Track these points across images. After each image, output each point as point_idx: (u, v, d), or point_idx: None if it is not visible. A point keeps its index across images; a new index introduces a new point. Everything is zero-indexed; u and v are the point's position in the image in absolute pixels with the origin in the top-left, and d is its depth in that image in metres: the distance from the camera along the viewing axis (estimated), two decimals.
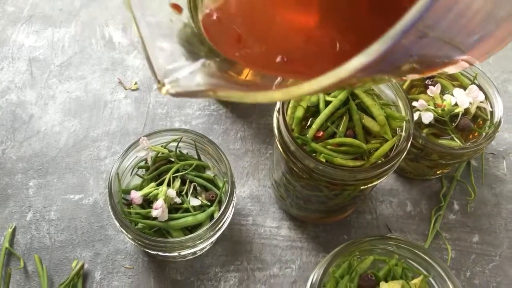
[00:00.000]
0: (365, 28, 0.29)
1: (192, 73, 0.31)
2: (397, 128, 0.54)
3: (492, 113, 0.65)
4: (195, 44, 0.34)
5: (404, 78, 0.27)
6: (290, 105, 0.55)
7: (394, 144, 0.53)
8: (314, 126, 0.52)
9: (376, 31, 0.26)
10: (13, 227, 0.65)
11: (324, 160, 0.50)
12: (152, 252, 0.56)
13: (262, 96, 0.25)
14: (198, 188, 0.60)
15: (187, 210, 0.58)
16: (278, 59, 0.30)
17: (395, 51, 0.18)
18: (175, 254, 0.56)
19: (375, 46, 0.18)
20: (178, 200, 0.57)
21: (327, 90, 0.21)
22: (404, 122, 0.53)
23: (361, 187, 0.52)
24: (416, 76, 0.26)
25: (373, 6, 0.29)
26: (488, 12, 0.22)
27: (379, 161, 0.52)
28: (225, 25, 0.34)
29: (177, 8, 0.34)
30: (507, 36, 0.29)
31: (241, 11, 0.34)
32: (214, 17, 0.34)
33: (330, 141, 0.52)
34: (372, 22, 0.29)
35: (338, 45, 0.30)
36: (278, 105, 0.52)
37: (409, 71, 0.24)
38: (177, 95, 0.29)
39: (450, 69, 0.27)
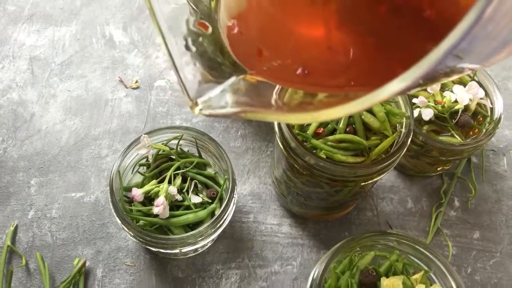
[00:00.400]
0: (384, 32, 0.29)
1: (223, 92, 0.30)
2: (397, 125, 0.55)
3: (492, 109, 0.65)
4: (222, 62, 0.34)
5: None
6: None
7: (395, 141, 0.53)
8: (315, 123, 0.52)
9: (395, 35, 0.26)
10: (15, 225, 0.65)
11: (324, 157, 0.51)
12: (153, 249, 0.56)
13: (294, 118, 0.25)
14: (199, 185, 0.60)
15: (188, 208, 0.58)
16: (299, 71, 0.30)
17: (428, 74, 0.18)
18: (177, 251, 0.56)
19: (412, 71, 0.17)
20: (179, 197, 0.57)
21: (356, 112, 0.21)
22: (404, 118, 0.53)
23: (362, 184, 0.53)
24: (418, 88, 0.27)
25: (390, 8, 0.29)
26: (508, 30, 0.22)
27: (380, 158, 0.52)
28: (247, 38, 0.33)
29: (203, 26, 0.34)
30: None
31: (259, 22, 0.33)
32: (236, 31, 0.33)
33: (331, 137, 0.52)
34: (390, 25, 0.29)
35: (352, 53, 0.30)
36: None
37: (414, 88, 0.24)
38: (209, 115, 0.29)
39: (453, 77, 0.27)
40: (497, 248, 0.68)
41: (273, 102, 0.30)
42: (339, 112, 0.21)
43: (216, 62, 0.33)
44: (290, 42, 0.32)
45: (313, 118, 0.23)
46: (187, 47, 0.32)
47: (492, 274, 0.66)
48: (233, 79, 0.31)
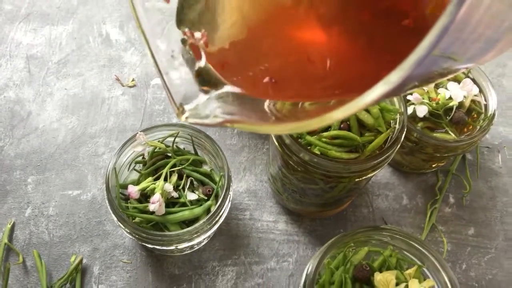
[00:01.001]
0: (369, 37, 0.29)
1: (209, 100, 0.31)
2: (391, 121, 0.55)
3: (486, 106, 0.65)
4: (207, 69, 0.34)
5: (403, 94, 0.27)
6: None
7: (389, 137, 0.53)
8: None
9: (380, 40, 0.26)
10: (12, 223, 0.66)
11: (319, 153, 0.51)
12: (149, 246, 0.56)
13: (277, 129, 0.25)
14: (195, 182, 0.60)
15: (184, 205, 0.58)
16: (266, 79, 0.30)
17: (411, 78, 0.18)
18: (173, 247, 0.57)
19: (394, 74, 0.18)
20: (175, 194, 0.58)
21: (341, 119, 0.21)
22: (398, 114, 0.54)
23: (356, 180, 0.53)
24: (414, 89, 0.27)
25: (373, 15, 0.30)
26: (492, 31, 0.23)
27: (374, 154, 0.52)
28: (219, 49, 0.33)
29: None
30: (508, 45, 0.30)
31: (232, 34, 0.33)
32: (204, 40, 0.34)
33: (325, 134, 0.53)
34: (375, 30, 0.29)
35: (329, 62, 0.30)
36: None
37: (410, 89, 0.24)
38: (196, 124, 0.30)
39: (447, 77, 0.27)
40: (492, 244, 0.68)
41: (266, 109, 0.30)
42: (327, 119, 0.21)
43: (201, 69, 0.33)
44: (259, 51, 0.32)
45: (303, 126, 0.23)
46: (173, 56, 0.32)
47: (487, 270, 0.66)
48: (216, 88, 0.31)
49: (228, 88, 0.32)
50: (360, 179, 0.53)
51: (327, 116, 0.21)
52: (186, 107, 0.30)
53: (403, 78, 0.17)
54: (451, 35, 0.17)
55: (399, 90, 0.21)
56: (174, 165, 0.59)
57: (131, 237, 0.55)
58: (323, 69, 0.29)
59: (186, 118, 0.30)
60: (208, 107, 0.30)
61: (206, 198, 0.59)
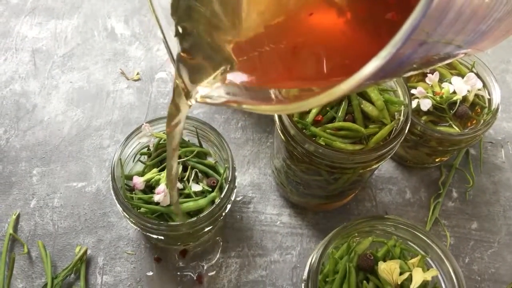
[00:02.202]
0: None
1: (215, 78, 0.31)
2: (396, 113, 0.55)
3: (490, 100, 0.65)
4: (214, 46, 0.34)
5: (403, 76, 0.28)
6: None
7: (393, 129, 0.54)
8: (314, 110, 0.53)
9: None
10: (17, 214, 0.66)
11: (323, 144, 0.51)
12: (154, 236, 0.56)
13: (281, 108, 0.26)
14: (199, 174, 0.61)
15: (188, 196, 0.58)
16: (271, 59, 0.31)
17: (397, 59, 0.19)
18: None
19: (384, 51, 0.19)
20: (179, 185, 0.58)
21: (339, 97, 0.22)
22: (403, 106, 0.54)
23: (360, 171, 0.53)
24: (415, 72, 0.27)
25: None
26: (483, 14, 0.23)
27: (378, 145, 0.53)
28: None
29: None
30: (509, 30, 0.30)
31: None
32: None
33: (329, 125, 0.53)
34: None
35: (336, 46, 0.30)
36: None
37: (409, 71, 0.24)
38: (203, 102, 0.30)
39: (448, 61, 0.28)
40: (494, 238, 0.68)
41: (271, 94, 0.31)
42: (331, 94, 0.21)
43: (209, 50, 0.34)
44: (267, 32, 0.33)
45: (307, 104, 0.23)
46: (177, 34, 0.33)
47: (490, 264, 0.66)
48: (222, 67, 0.32)
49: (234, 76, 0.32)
50: (364, 170, 0.54)
51: (331, 92, 0.21)
52: (193, 86, 0.31)
53: (392, 53, 0.18)
54: (434, 14, 0.18)
55: (396, 68, 0.21)
56: (179, 157, 0.60)
57: (135, 227, 0.55)
58: (330, 52, 0.30)
59: (193, 96, 0.30)
60: (215, 87, 0.30)
61: (210, 189, 0.59)
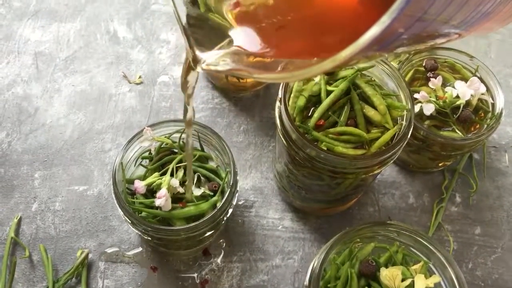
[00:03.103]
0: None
1: (221, 48, 0.33)
2: (398, 118, 0.55)
3: (493, 105, 0.65)
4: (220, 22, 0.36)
5: (393, 52, 0.28)
6: (292, 95, 0.55)
7: (395, 133, 0.53)
8: (316, 115, 0.53)
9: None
10: (18, 217, 0.66)
11: (325, 149, 0.51)
12: (155, 240, 0.56)
13: (285, 76, 0.27)
14: (201, 178, 0.61)
15: (190, 200, 0.58)
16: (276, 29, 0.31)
17: (394, 29, 0.19)
18: (178, 244, 0.57)
19: (385, 16, 0.19)
20: (181, 189, 0.58)
21: (340, 67, 0.23)
22: (405, 111, 0.54)
23: (363, 176, 0.53)
24: (405, 50, 0.27)
25: None
26: None
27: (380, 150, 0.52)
28: None
29: None
30: (508, 16, 0.30)
31: None
32: None
33: (331, 130, 0.53)
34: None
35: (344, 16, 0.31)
36: (280, 95, 0.53)
37: (399, 46, 0.25)
38: (208, 70, 0.32)
39: (440, 41, 0.28)
40: (498, 244, 0.68)
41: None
42: (335, 60, 0.22)
43: (216, 20, 0.35)
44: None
45: (311, 71, 0.24)
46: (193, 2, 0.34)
47: (493, 269, 0.66)
48: (229, 39, 0.34)
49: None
50: (367, 175, 0.53)
51: (334, 58, 0.21)
52: (201, 55, 0.33)
53: (392, 18, 0.19)
54: None
55: (391, 38, 0.21)
56: (180, 161, 0.59)
57: (136, 231, 0.55)
58: (338, 26, 0.30)
59: (203, 61, 0.33)
60: (221, 56, 0.33)
61: (212, 194, 0.59)
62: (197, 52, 0.34)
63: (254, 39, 0.32)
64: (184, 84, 0.40)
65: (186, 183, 0.55)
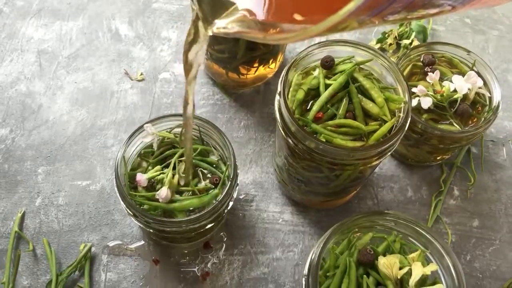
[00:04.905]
0: None
1: (230, 13, 0.35)
2: (396, 110, 0.56)
3: (490, 99, 0.66)
4: None
5: (385, 19, 0.29)
6: (291, 89, 0.56)
7: (393, 125, 0.54)
8: (315, 108, 0.54)
9: None
10: (22, 212, 0.67)
11: (324, 140, 0.52)
12: (157, 233, 0.57)
13: (286, 35, 0.29)
14: (203, 171, 0.61)
15: (192, 193, 0.59)
16: None
17: None
18: (179, 237, 0.58)
19: None
20: (182, 182, 0.58)
21: (332, 30, 0.24)
22: (403, 103, 0.54)
23: (361, 167, 0.54)
24: (396, 18, 0.28)
25: None
26: None
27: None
28: None
29: None
30: None
31: None
32: None
33: (330, 122, 0.54)
34: None
35: None
36: (279, 88, 0.54)
37: (391, 13, 0.25)
38: (218, 33, 0.34)
39: (433, 11, 0.28)
40: (496, 236, 0.69)
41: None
42: (331, 21, 0.23)
43: None
44: None
45: (310, 31, 0.26)
46: None
47: (491, 261, 0.67)
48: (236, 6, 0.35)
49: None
50: (365, 167, 0.54)
51: (330, 19, 0.22)
52: (215, 19, 0.35)
53: None
54: None
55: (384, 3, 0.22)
56: (182, 155, 0.60)
57: (139, 224, 0.56)
58: None
59: (213, 27, 0.35)
60: (230, 21, 0.34)
61: (213, 187, 0.60)
62: (209, 16, 0.36)
63: (259, 2, 0.34)
64: (187, 64, 0.41)
65: (184, 167, 0.57)
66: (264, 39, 0.31)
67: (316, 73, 0.57)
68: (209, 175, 0.61)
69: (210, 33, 0.36)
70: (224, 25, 0.35)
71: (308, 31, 0.25)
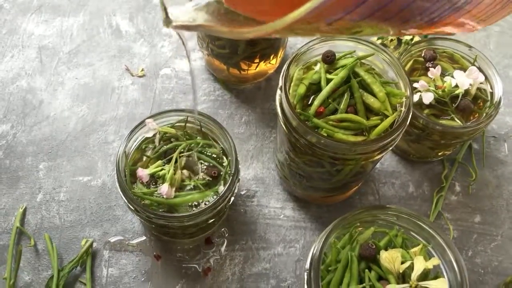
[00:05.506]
0: None
1: (196, 9, 0.34)
2: (397, 105, 0.56)
3: (492, 94, 0.66)
4: None
5: (403, 32, 0.28)
6: (292, 83, 0.56)
7: (395, 120, 0.54)
8: (316, 102, 0.54)
9: None
10: (23, 208, 0.67)
11: (325, 135, 0.52)
12: (158, 228, 0.57)
13: (246, 30, 0.28)
14: (204, 165, 0.61)
15: (192, 188, 0.59)
16: None
17: None
18: (180, 232, 0.58)
19: None
20: (185, 174, 0.58)
21: (293, 28, 0.23)
22: (404, 98, 0.54)
23: (362, 162, 0.54)
24: (411, 32, 0.27)
25: None
26: None
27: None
28: None
29: None
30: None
31: None
32: None
33: (332, 117, 0.54)
34: None
35: None
36: (280, 83, 0.54)
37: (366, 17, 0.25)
38: (179, 27, 0.34)
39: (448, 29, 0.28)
40: (498, 232, 0.68)
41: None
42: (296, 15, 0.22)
43: None
44: None
45: (271, 26, 0.25)
46: None
47: (493, 257, 0.67)
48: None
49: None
50: (366, 161, 0.54)
51: (295, 13, 0.22)
52: (173, 11, 0.35)
53: None
54: None
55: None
56: (182, 151, 0.60)
57: (140, 219, 0.56)
58: None
59: (172, 20, 0.34)
60: (191, 14, 0.34)
61: (211, 179, 0.59)
62: (169, 10, 0.35)
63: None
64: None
65: None
66: (231, 33, 0.30)
67: (317, 67, 0.57)
68: (205, 168, 0.61)
69: (171, 29, 0.36)
70: (188, 18, 0.34)
71: (270, 26, 0.24)
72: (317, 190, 0.65)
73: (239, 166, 0.59)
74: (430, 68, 0.66)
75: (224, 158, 0.62)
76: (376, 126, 0.54)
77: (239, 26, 0.29)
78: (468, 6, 0.29)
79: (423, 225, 0.50)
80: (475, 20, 0.32)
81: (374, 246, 0.49)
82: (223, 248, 0.66)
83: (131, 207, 0.55)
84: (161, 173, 0.58)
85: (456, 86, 0.64)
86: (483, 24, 0.34)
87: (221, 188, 0.58)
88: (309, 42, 0.57)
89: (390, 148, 0.53)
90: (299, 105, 0.55)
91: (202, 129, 0.62)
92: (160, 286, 0.63)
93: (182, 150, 0.59)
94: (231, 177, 0.57)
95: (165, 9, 0.35)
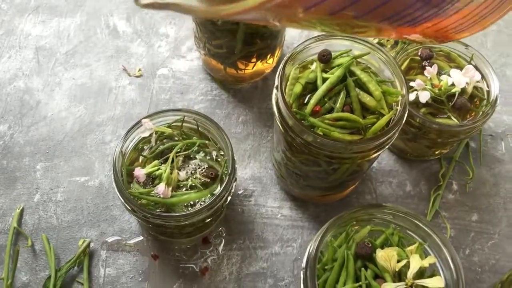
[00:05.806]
0: None
1: None
2: (393, 104, 0.56)
3: (488, 92, 0.66)
4: None
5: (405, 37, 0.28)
6: (288, 83, 0.56)
7: (391, 119, 0.54)
8: (312, 101, 0.54)
9: None
10: (21, 208, 0.67)
11: (322, 134, 0.52)
12: (155, 228, 0.57)
13: (216, 9, 0.27)
14: (200, 166, 0.61)
15: (190, 188, 0.59)
16: None
17: None
18: (177, 231, 0.57)
19: None
20: (182, 175, 0.58)
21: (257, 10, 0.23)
22: (400, 97, 0.54)
23: (359, 161, 0.54)
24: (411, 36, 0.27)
25: None
26: None
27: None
28: None
29: None
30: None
31: None
32: None
33: (328, 116, 0.54)
34: None
35: None
36: (276, 82, 0.54)
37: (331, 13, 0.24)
38: (149, 5, 0.32)
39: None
40: (495, 230, 0.68)
41: None
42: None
43: None
44: None
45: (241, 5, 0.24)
46: None
47: (490, 255, 0.67)
48: None
49: None
50: (363, 160, 0.54)
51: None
52: None
53: None
54: None
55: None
56: (179, 149, 0.60)
57: (137, 219, 0.56)
58: None
59: (142, 1, 0.32)
60: None
61: (209, 180, 0.60)
62: None
63: None
64: None
65: None
66: (206, 12, 0.29)
67: (313, 67, 0.57)
68: (204, 169, 0.61)
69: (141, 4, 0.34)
70: None
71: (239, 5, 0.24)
72: (314, 189, 0.65)
73: (236, 166, 0.59)
74: (427, 67, 0.66)
75: (221, 157, 0.62)
76: (372, 124, 0.54)
77: (216, 5, 0.29)
78: (456, 5, 0.29)
79: (419, 223, 0.50)
80: (469, 21, 0.32)
81: (370, 245, 0.49)
82: (220, 248, 0.66)
83: (128, 207, 0.55)
84: (157, 172, 0.58)
85: (453, 84, 0.64)
86: (478, 27, 0.34)
87: (218, 188, 0.59)
88: (305, 41, 0.57)
89: (387, 147, 0.53)
90: (295, 104, 0.55)
91: (199, 128, 0.62)
92: (157, 286, 0.63)
93: (178, 150, 0.59)
94: (228, 177, 0.57)
95: None
